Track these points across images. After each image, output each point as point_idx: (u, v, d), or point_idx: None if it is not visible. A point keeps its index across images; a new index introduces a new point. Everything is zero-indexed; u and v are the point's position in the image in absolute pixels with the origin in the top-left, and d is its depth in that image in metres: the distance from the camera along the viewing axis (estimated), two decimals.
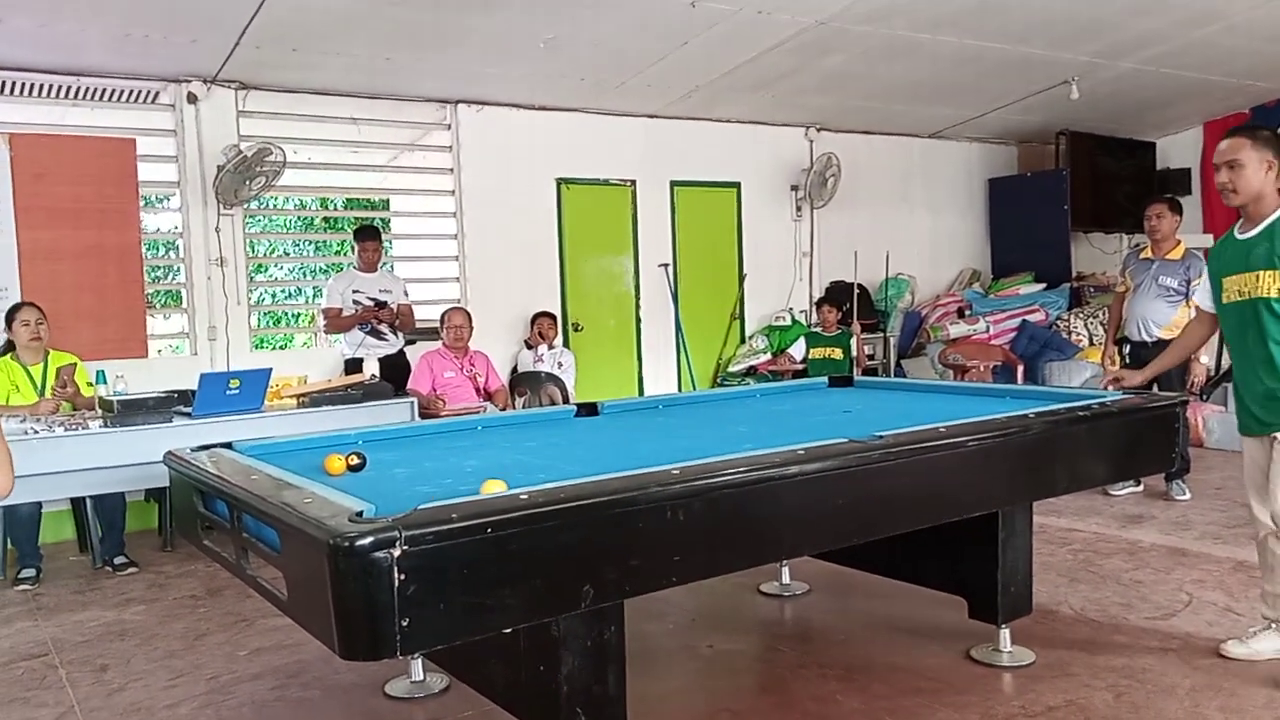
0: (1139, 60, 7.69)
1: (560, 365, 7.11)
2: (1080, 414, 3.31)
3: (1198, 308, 3.78)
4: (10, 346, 5.32)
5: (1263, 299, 3.21)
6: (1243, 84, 8.60)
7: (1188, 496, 5.77)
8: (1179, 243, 5.89)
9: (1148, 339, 5.77)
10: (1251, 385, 3.31)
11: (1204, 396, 7.67)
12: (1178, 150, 10.17)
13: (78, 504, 5.50)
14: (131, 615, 4.44)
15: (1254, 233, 3.28)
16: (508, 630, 2.12)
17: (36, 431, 4.53)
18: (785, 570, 4.40)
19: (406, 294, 6.69)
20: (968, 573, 3.51)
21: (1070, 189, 9.19)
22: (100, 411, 4.89)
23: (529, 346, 7.31)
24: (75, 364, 5.28)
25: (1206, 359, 5.76)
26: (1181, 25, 6.99)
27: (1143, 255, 5.98)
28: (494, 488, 2.24)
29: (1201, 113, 9.57)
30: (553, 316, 7.34)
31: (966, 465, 2.97)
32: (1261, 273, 3.21)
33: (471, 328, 6.41)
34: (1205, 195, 9.94)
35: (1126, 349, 5.95)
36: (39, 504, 5.03)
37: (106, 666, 3.81)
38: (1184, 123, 9.84)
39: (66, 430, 4.63)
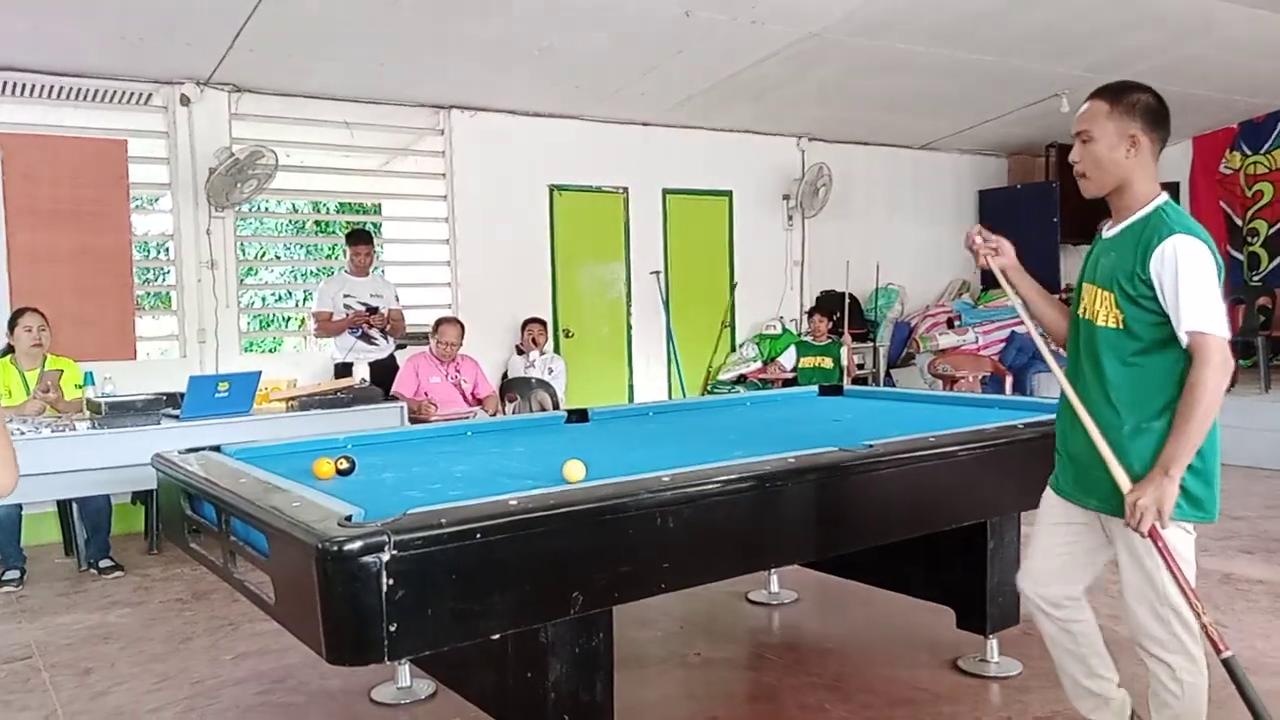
0: (1128, 74, 7.63)
1: (551, 371, 7.10)
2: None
3: None
4: (10, 349, 5.29)
5: (1095, 324, 2.37)
6: (1231, 99, 8.67)
7: None
8: None
9: None
10: (1076, 437, 2.40)
11: None
12: (1166, 164, 10.08)
13: (63, 506, 5.46)
14: (116, 618, 4.41)
15: (1112, 233, 2.43)
16: (496, 636, 2.11)
17: (23, 433, 4.50)
18: (774, 578, 4.40)
19: (397, 299, 6.68)
20: (956, 582, 3.51)
21: (1060, 201, 9.24)
22: (88, 413, 4.87)
23: (520, 352, 7.30)
24: (62, 371, 5.24)
25: None
26: (1171, 40, 7.04)
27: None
28: (575, 470, 2.36)
29: (1190, 127, 9.63)
30: (543, 322, 7.33)
31: (955, 475, 2.98)
32: (1099, 291, 2.37)
33: (462, 340, 6.40)
34: (1194, 209, 10.01)
35: None
36: (19, 506, 5.00)
37: (90, 670, 3.78)
38: (1172, 137, 9.82)
39: (53, 432, 4.60)
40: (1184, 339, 2.19)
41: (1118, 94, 2.36)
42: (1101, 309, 2.34)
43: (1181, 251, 2.20)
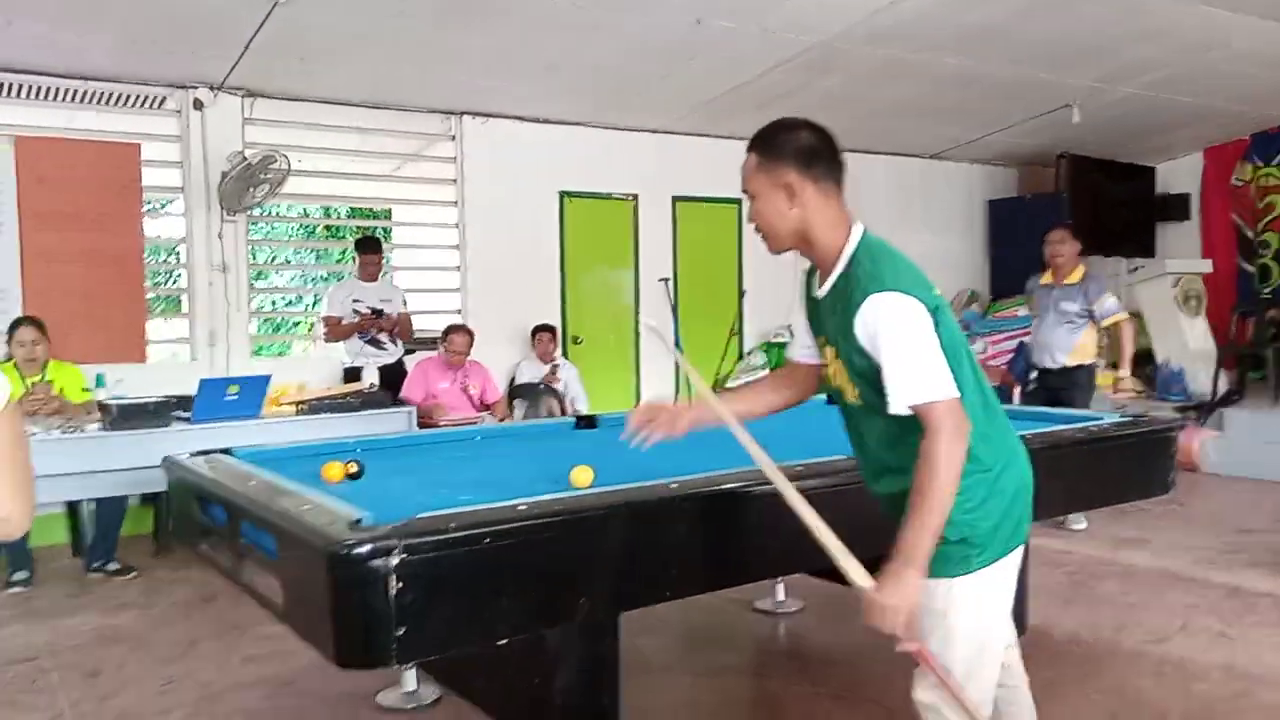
0: (1139, 85, 7.73)
1: (560, 378, 7.08)
2: (1077, 436, 3.31)
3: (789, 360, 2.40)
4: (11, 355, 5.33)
5: (845, 399, 2.15)
6: (1243, 110, 8.65)
7: (1084, 526, 5.69)
8: (1078, 266, 5.91)
9: (1053, 365, 5.82)
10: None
11: (1201, 421, 7.70)
12: (1177, 175, 10.21)
13: (73, 507, 5.48)
14: (124, 620, 4.43)
15: (822, 292, 2.13)
16: (503, 641, 2.12)
17: (34, 433, 4.53)
18: (780, 587, 4.40)
19: (406, 304, 6.70)
20: None
21: (1070, 212, 9.22)
22: (98, 415, 4.89)
23: (542, 360, 7.24)
24: (51, 382, 5.24)
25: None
26: (1182, 51, 7.03)
27: (1043, 282, 6.01)
28: (583, 475, 2.37)
29: (1202, 138, 9.62)
30: (552, 330, 7.29)
31: None
32: (834, 359, 2.13)
33: (471, 348, 6.39)
34: (1204, 220, 9.99)
35: (1034, 375, 6.01)
36: None
37: (98, 672, 3.79)
38: (1184, 148, 9.89)
39: (64, 433, 4.63)
40: (907, 413, 1.93)
41: (765, 141, 2.09)
42: (842, 380, 2.11)
43: (882, 315, 1.93)
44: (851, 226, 2.09)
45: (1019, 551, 2.11)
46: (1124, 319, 5.83)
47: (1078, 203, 9.32)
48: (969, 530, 2.00)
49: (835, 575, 3.81)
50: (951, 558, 2.00)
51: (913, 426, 1.94)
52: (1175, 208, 10.11)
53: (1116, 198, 9.79)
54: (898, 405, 1.93)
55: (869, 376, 2.00)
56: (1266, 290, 9.47)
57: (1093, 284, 5.79)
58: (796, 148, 2.06)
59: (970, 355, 2.08)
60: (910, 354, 1.93)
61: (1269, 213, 9.53)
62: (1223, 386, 7.96)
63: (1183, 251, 9.80)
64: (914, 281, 1.99)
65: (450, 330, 6.40)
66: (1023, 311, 9.43)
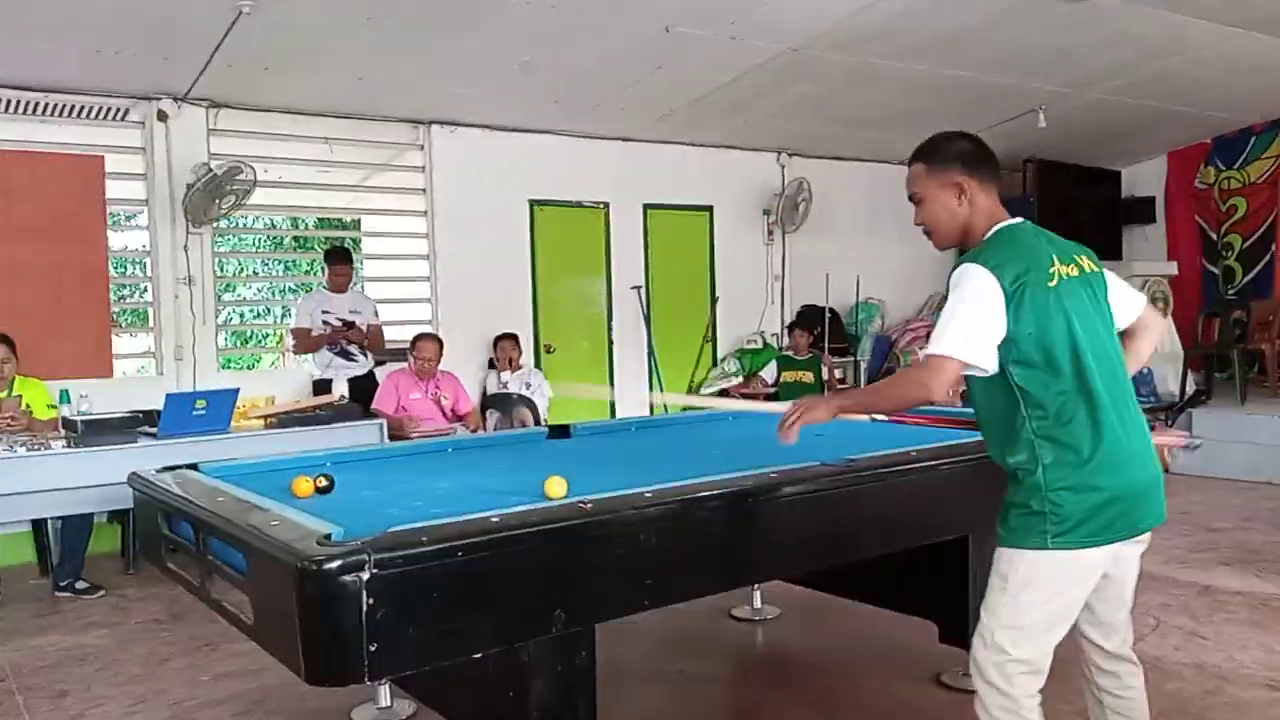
0: (1105, 90, 7.83)
1: (529, 386, 7.03)
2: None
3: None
4: None
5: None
6: (1205, 114, 8.78)
7: None
8: None
9: None
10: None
11: (1169, 422, 7.79)
12: (1142, 179, 10.34)
13: (39, 525, 5.39)
14: (92, 639, 4.35)
15: None
16: (477, 655, 2.09)
17: None
18: (757, 594, 4.39)
19: (376, 314, 6.65)
20: (939, 597, 3.51)
21: (1037, 216, 9.30)
22: (64, 432, 4.81)
23: (492, 367, 7.22)
24: (20, 396, 5.16)
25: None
26: (1146, 56, 7.12)
27: None
28: (557, 486, 2.38)
29: (1165, 142, 9.75)
30: (515, 338, 7.20)
31: (938, 489, 2.99)
32: None
33: (441, 356, 6.35)
34: (1169, 223, 10.12)
35: None
36: None
37: (65, 692, 3.73)
38: (1148, 152, 10.02)
39: (28, 450, 4.55)
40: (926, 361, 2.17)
41: (930, 150, 2.34)
42: None
43: (953, 280, 2.18)
44: (1000, 220, 2.28)
45: (1098, 554, 2.14)
46: None
47: (1045, 206, 9.40)
48: (1052, 506, 2.10)
49: (811, 581, 3.80)
50: (1030, 529, 2.13)
51: (1001, 401, 2.16)
52: (1141, 211, 10.24)
53: (1083, 201, 9.90)
54: (929, 349, 2.15)
55: None
56: (1231, 291, 9.60)
57: None
58: (960, 151, 2.30)
59: (1078, 344, 2.13)
60: (949, 313, 2.13)
61: (1232, 215, 9.67)
62: (1190, 387, 8.06)
63: (1149, 254, 9.93)
64: (1003, 260, 2.13)
65: (418, 338, 6.34)
66: None
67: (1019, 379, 2.14)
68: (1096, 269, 2.29)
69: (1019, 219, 2.30)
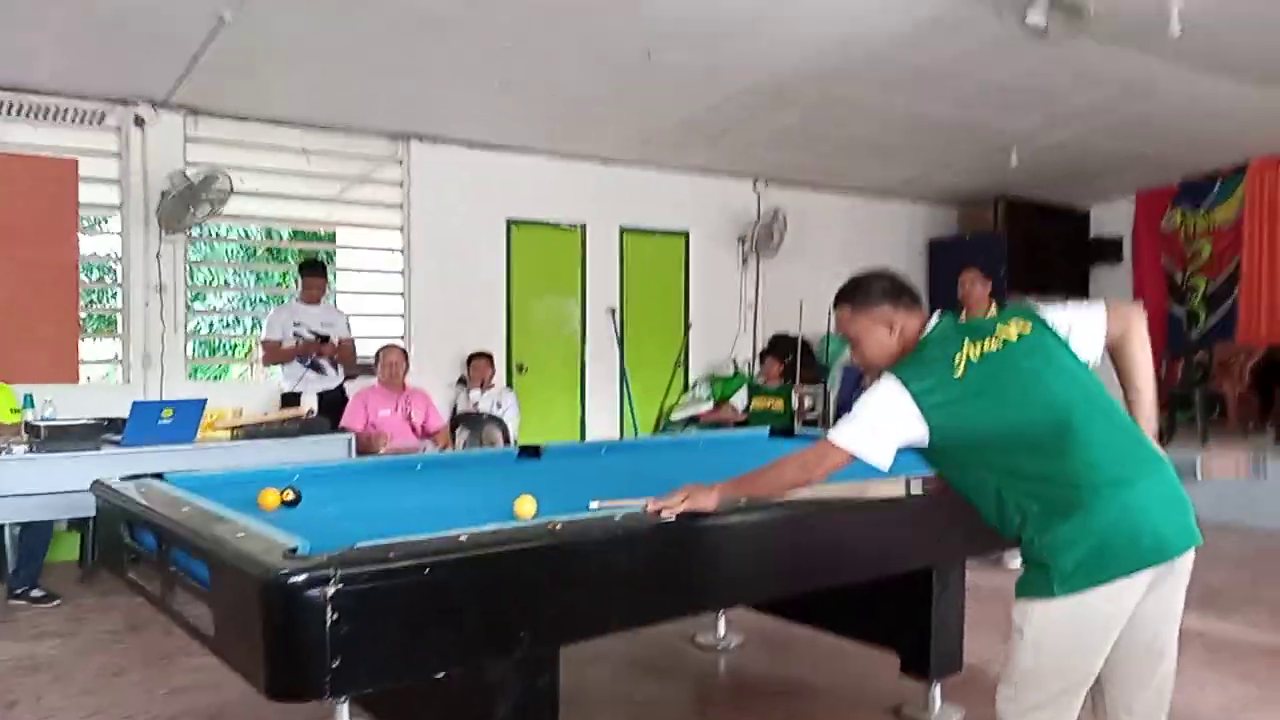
0: (1076, 130, 7.96)
1: (500, 406, 7.01)
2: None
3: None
4: None
5: None
6: (1174, 157, 8.94)
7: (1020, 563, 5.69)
8: (991, 305, 6.05)
9: None
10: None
11: None
12: (1110, 218, 10.51)
13: None
14: (46, 649, 4.28)
15: None
16: (441, 675, 2.08)
17: None
18: (721, 622, 4.39)
19: (349, 328, 6.62)
20: (901, 628, 3.53)
21: (1008, 252, 9.42)
22: (25, 436, 4.74)
23: (462, 383, 7.19)
24: None
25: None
26: (1117, 99, 7.26)
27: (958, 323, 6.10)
28: (527, 506, 2.41)
29: (1133, 183, 9.92)
30: (489, 357, 7.18)
31: (903, 520, 3.00)
32: None
33: (408, 366, 6.33)
34: (1136, 264, 10.28)
35: None
36: None
37: (15, 703, 3.65)
38: (1117, 192, 10.18)
39: None
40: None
41: (855, 293, 2.43)
42: None
43: (872, 384, 2.30)
44: (923, 327, 2.39)
45: (1109, 592, 2.14)
46: None
47: (1014, 243, 9.55)
48: (1046, 557, 2.17)
49: (776, 609, 3.81)
50: (1035, 581, 2.21)
51: (976, 481, 2.29)
52: (1108, 251, 10.40)
53: (1052, 239, 10.05)
54: (825, 437, 2.31)
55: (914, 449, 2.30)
56: (1195, 334, 9.75)
57: None
58: (883, 289, 2.40)
59: (1033, 400, 2.20)
60: (857, 406, 2.27)
61: (1197, 258, 9.84)
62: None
63: (1115, 294, 10.07)
64: (917, 370, 2.25)
65: (383, 349, 6.31)
66: None
67: (983, 460, 2.25)
68: (1030, 326, 2.31)
69: (935, 321, 2.39)
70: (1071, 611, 2.16)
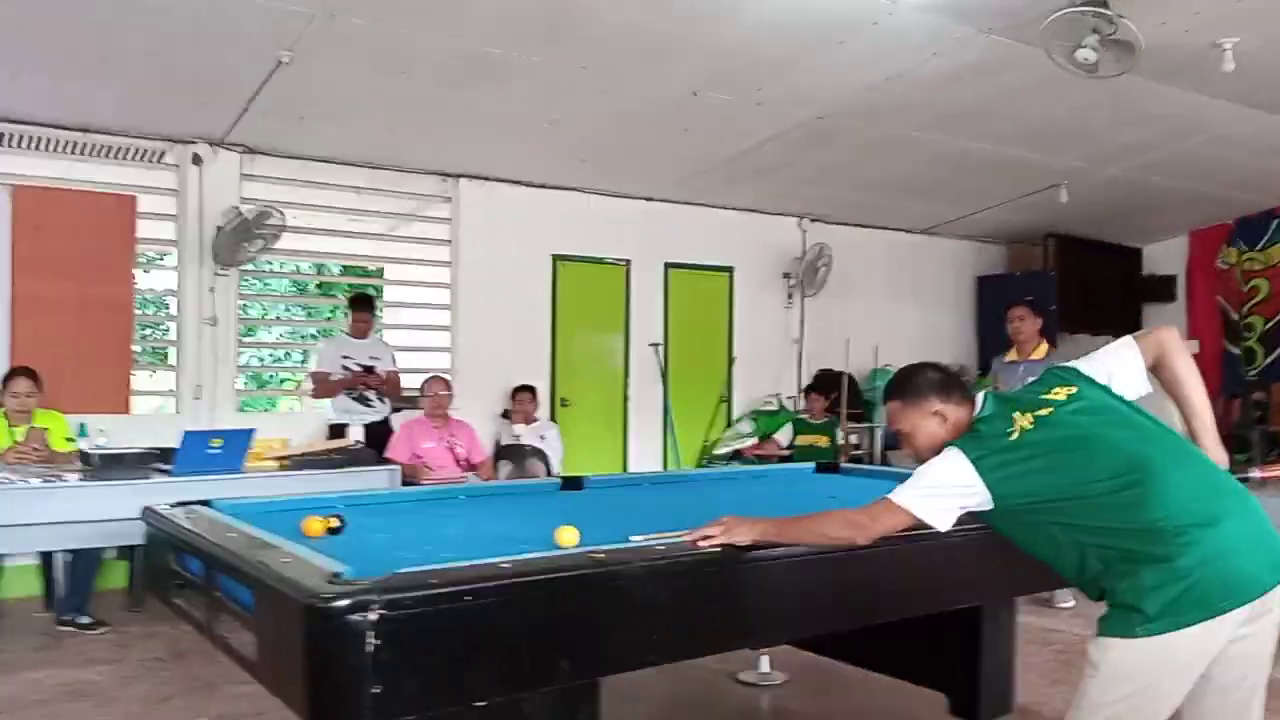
0: (1125, 168, 7.87)
1: (543, 439, 7.02)
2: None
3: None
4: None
5: None
6: (1227, 195, 8.81)
7: (1072, 604, 5.47)
8: (1042, 342, 5.94)
9: None
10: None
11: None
12: (1164, 257, 10.35)
13: (47, 558, 5.38)
14: (92, 675, 4.32)
15: None
16: (481, 704, 2.07)
17: (11, 481, 4.46)
18: (764, 659, 4.32)
19: (394, 361, 6.68)
20: (948, 667, 3.46)
21: (1057, 291, 9.30)
22: (79, 465, 4.83)
23: (505, 416, 7.21)
24: (47, 429, 5.20)
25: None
26: (1167, 136, 7.17)
27: (1008, 359, 6.00)
28: (568, 535, 2.40)
29: (1187, 221, 9.77)
30: (533, 391, 7.19)
31: (952, 557, 2.95)
32: None
33: (451, 397, 6.37)
34: (1190, 302, 10.10)
35: None
36: None
37: None
38: (1169, 230, 10.03)
39: (43, 482, 4.56)
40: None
41: (903, 386, 2.47)
42: None
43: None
44: (972, 414, 2.41)
45: (1193, 635, 2.06)
46: None
47: (1065, 281, 9.42)
48: (1131, 600, 2.11)
49: (820, 647, 3.75)
50: (1118, 620, 2.14)
51: (1055, 542, 2.24)
52: (1161, 289, 10.24)
53: (1103, 277, 9.90)
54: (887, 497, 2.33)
55: (978, 514, 2.33)
56: (1252, 373, 9.54)
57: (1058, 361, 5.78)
58: (930, 381, 2.45)
59: (1099, 455, 2.20)
60: (915, 474, 2.34)
61: (1253, 296, 9.64)
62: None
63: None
64: (975, 443, 2.29)
65: (428, 380, 6.36)
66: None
67: (1053, 519, 2.22)
68: (1076, 386, 2.33)
69: (981, 403, 2.41)
70: (1154, 654, 2.09)
